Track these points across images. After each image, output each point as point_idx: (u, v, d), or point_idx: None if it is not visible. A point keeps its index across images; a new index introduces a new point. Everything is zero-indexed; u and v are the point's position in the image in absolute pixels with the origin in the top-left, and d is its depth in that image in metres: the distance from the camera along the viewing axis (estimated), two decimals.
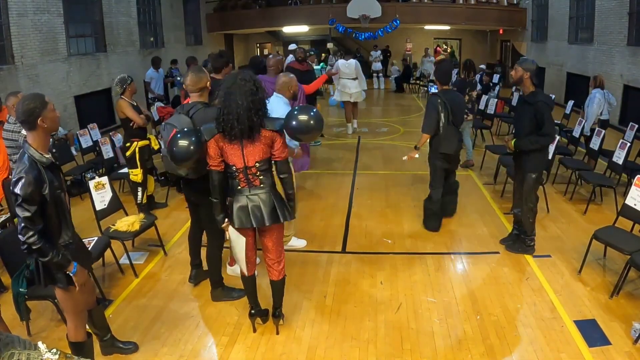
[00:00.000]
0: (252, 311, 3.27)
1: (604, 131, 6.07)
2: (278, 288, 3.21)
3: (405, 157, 4.93)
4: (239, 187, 2.93)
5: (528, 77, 3.91)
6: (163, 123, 3.48)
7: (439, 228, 4.93)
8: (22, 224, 2.28)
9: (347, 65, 9.19)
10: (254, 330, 3.29)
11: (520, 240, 4.41)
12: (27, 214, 2.28)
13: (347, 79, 9.23)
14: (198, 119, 3.21)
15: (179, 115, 3.31)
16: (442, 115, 4.55)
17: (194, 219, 3.77)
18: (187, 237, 3.90)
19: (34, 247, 2.30)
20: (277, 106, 3.90)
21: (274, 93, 4.12)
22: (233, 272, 3.99)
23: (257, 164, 2.89)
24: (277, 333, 3.28)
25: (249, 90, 2.77)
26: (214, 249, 3.61)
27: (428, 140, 4.77)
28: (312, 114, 2.95)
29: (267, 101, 2.95)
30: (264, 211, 2.92)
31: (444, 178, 4.86)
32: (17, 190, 2.26)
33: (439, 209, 4.90)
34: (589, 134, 6.52)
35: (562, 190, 5.99)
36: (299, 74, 5.23)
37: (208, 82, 3.40)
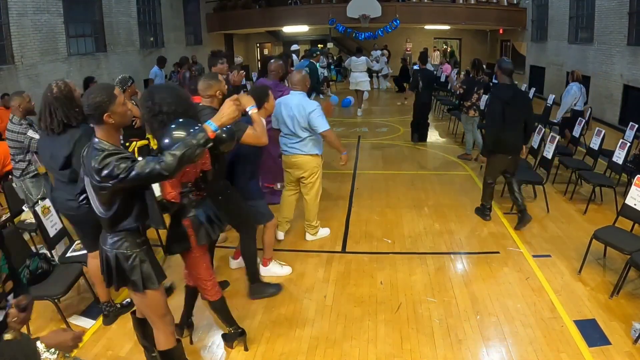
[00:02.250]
0: (240, 330, 3.12)
1: (603, 131, 6.12)
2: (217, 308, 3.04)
3: (401, 102, 8.86)
4: (195, 201, 2.73)
5: (499, 72, 4.78)
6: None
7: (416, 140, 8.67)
8: (151, 172, 2.07)
9: (358, 61, 11.64)
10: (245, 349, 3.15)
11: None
12: (128, 165, 2.05)
13: (357, 72, 11.60)
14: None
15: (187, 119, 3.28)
16: (420, 81, 8.16)
17: None
18: None
19: (166, 166, 2.09)
20: (304, 100, 4.19)
21: (291, 90, 4.38)
22: (268, 272, 4.02)
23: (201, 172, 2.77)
24: (246, 349, 3.12)
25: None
26: (248, 241, 3.63)
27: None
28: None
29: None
30: (219, 211, 2.87)
31: (420, 114, 8.57)
32: (113, 169, 2.04)
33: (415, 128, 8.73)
34: (560, 121, 7.78)
35: (562, 190, 5.99)
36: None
37: (218, 92, 3.25)
